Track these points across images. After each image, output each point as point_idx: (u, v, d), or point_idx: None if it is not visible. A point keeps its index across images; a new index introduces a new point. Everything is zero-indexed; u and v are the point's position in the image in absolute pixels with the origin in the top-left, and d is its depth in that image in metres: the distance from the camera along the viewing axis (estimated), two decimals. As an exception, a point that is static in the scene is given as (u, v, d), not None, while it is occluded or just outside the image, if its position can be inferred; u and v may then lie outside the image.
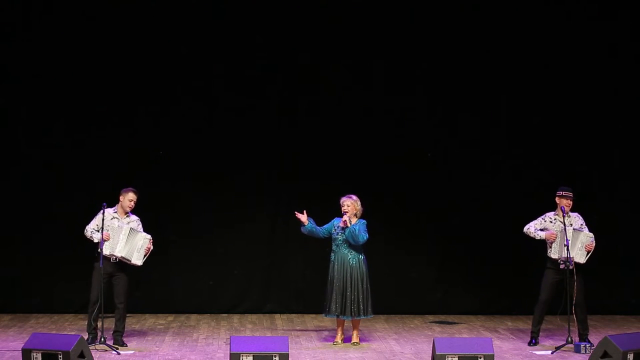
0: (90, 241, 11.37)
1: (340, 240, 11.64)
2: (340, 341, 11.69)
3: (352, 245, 11.60)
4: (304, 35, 14.14)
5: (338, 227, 11.65)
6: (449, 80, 14.26)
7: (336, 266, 11.60)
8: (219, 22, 14.05)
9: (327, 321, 13.05)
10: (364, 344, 11.84)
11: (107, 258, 11.20)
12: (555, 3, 14.26)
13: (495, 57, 14.24)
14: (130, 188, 11.47)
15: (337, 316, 11.61)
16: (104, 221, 11.25)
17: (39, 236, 13.79)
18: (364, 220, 11.65)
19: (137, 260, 11.33)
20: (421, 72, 14.25)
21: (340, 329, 11.75)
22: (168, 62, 14.02)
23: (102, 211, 11.27)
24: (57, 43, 13.89)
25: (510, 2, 14.23)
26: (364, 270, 11.62)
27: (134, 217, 11.53)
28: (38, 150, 13.92)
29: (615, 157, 14.37)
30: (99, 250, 11.24)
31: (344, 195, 11.73)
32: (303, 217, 11.71)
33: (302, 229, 11.77)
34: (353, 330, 11.74)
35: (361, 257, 11.65)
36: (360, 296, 11.54)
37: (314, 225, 11.72)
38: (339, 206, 11.77)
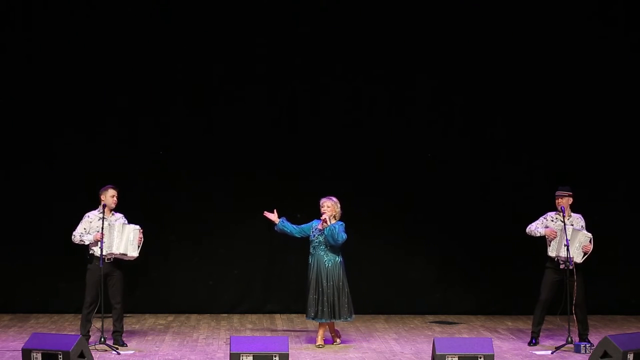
0: (80, 246, 11.37)
1: (316, 243, 11.50)
2: (332, 343, 11.58)
3: (330, 248, 11.43)
4: (304, 36, 14.14)
5: (316, 229, 11.51)
6: (449, 81, 14.26)
7: (313, 269, 11.47)
8: (219, 22, 14.05)
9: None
10: (364, 344, 11.85)
11: (102, 259, 11.17)
12: (554, 1, 14.28)
13: (496, 57, 14.24)
14: (108, 185, 11.46)
15: (313, 319, 11.48)
16: (92, 224, 11.29)
17: (39, 236, 13.79)
18: (342, 222, 11.50)
19: (133, 252, 11.32)
20: (421, 73, 14.24)
21: (326, 331, 11.61)
22: (169, 62, 14.02)
23: (102, 210, 11.27)
24: (58, 43, 13.89)
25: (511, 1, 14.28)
26: (341, 272, 11.44)
27: (118, 215, 11.52)
28: (38, 151, 13.92)
29: (615, 157, 14.36)
30: (91, 252, 11.24)
31: (324, 197, 11.59)
32: (272, 216, 11.60)
33: (275, 228, 11.66)
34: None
35: (338, 259, 11.49)
36: (337, 298, 11.38)
37: (285, 223, 11.58)
38: (324, 207, 11.71)
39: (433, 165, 14.26)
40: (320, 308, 11.37)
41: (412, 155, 14.24)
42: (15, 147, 13.93)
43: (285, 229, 11.60)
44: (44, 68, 13.89)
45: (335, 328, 11.76)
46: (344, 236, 11.39)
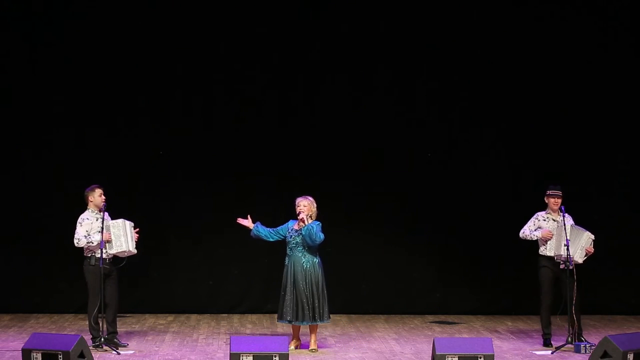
0: (85, 250, 11.22)
1: (294, 244, 11.26)
2: (294, 347, 11.31)
3: (307, 249, 11.21)
4: (302, 35, 14.14)
5: (292, 230, 11.28)
6: (449, 80, 14.26)
7: (290, 270, 11.23)
8: (217, 21, 14.06)
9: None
10: (364, 344, 11.84)
11: (102, 259, 11.12)
12: (553, 2, 14.28)
13: (493, 58, 14.25)
14: (94, 185, 11.41)
15: (290, 322, 11.26)
16: (93, 225, 11.22)
17: (39, 236, 13.79)
18: (319, 222, 11.27)
19: (134, 248, 11.31)
20: (422, 74, 14.25)
21: (295, 335, 11.45)
22: (168, 62, 14.03)
23: (103, 211, 11.25)
24: (58, 42, 13.90)
25: (507, 3, 14.26)
26: (319, 273, 11.23)
27: (105, 213, 11.43)
28: (38, 150, 13.93)
29: (614, 157, 14.37)
30: (90, 254, 11.17)
31: (300, 196, 11.37)
32: (246, 222, 11.41)
33: (250, 234, 11.45)
34: (310, 335, 11.39)
35: (316, 260, 11.26)
36: (316, 301, 11.16)
37: (259, 228, 11.37)
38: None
39: (433, 165, 14.27)
40: (299, 311, 11.15)
41: (413, 155, 14.24)
42: (15, 146, 13.93)
43: (260, 234, 11.39)
44: (44, 67, 13.90)
45: (296, 334, 11.47)
46: (322, 236, 11.17)
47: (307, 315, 11.18)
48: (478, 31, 14.23)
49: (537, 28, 14.25)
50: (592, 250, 11.47)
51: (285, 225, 11.43)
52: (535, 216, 11.74)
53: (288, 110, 14.20)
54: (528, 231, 11.70)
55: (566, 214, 11.64)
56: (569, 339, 11.37)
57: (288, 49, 14.14)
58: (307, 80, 14.20)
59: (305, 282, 11.20)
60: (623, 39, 14.35)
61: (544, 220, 11.65)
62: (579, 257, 11.44)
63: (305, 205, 11.26)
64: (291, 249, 11.32)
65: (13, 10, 13.90)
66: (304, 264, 11.24)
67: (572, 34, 14.28)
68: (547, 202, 11.68)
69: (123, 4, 13.98)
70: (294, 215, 11.35)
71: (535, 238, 11.66)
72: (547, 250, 11.58)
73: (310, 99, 14.23)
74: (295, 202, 11.36)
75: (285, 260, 11.40)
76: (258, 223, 11.46)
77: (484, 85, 14.29)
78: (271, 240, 11.45)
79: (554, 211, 11.62)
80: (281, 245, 12.44)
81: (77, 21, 13.91)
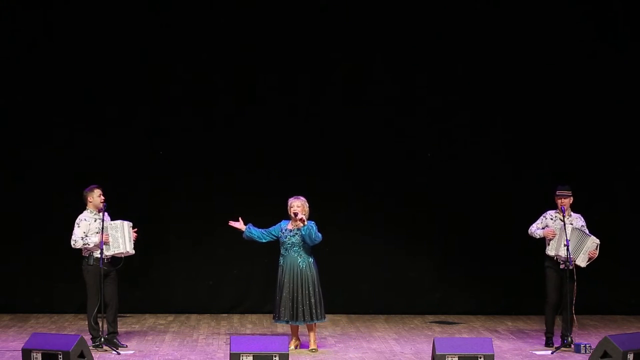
0: (83, 250, 11.22)
1: (289, 244, 11.27)
2: (294, 347, 11.33)
3: (303, 249, 11.22)
4: (300, 34, 14.14)
5: (287, 230, 11.29)
6: (449, 80, 14.26)
7: (286, 270, 11.25)
8: (215, 20, 14.06)
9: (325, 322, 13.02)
10: (364, 344, 11.84)
11: (102, 259, 11.11)
12: (554, 3, 14.29)
13: (496, 56, 14.24)
14: (92, 185, 11.40)
15: (287, 322, 11.28)
16: (91, 226, 11.20)
17: (39, 236, 13.79)
18: (313, 222, 11.27)
19: (131, 249, 11.30)
20: (422, 73, 14.25)
21: (294, 335, 11.46)
22: (166, 62, 14.03)
23: (102, 212, 11.23)
24: (57, 42, 13.90)
25: (510, 1, 14.28)
26: (315, 273, 11.24)
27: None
28: (38, 150, 13.92)
29: (615, 157, 14.36)
30: (89, 254, 11.16)
31: (291, 197, 11.33)
32: (237, 224, 11.41)
33: (243, 236, 11.45)
34: (309, 335, 11.37)
35: (311, 259, 11.28)
36: (312, 300, 11.17)
37: (251, 230, 11.38)
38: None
39: (433, 165, 14.26)
40: (296, 311, 11.17)
41: (412, 155, 14.24)
42: (16, 146, 13.93)
43: (253, 236, 11.40)
44: (43, 67, 13.89)
45: (294, 333, 11.49)
46: (320, 236, 11.19)
47: (300, 315, 11.19)
48: (480, 31, 14.22)
49: (537, 27, 14.24)
50: (596, 254, 11.45)
51: (277, 225, 11.43)
52: (544, 214, 11.75)
53: (288, 110, 14.19)
54: (534, 228, 11.71)
55: (579, 216, 11.66)
56: (570, 339, 11.36)
57: (289, 48, 14.12)
58: (307, 80, 14.18)
59: (302, 282, 11.22)
60: (624, 36, 14.37)
61: (552, 219, 11.66)
62: (582, 261, 11.41)
63: (299, 206, 11.25)
64: (287, 249, 11.32)
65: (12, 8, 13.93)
66: (300, 263, 11.26)
67: (573, 34, 14.28)
68: (556, 201, 11.68)
69: (121, 6, 13.98)
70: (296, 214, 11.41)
71: (538, 236, 11.67)
72: (549, 250, 11.59)
73: (309, 99, 14.22)
74: (287, 202, 11.34)
75: (279, 260, 11.40)
76: (250, 225, 11.46)
77: (485, 85, 14.28)
78: (264, 241, 11.47)
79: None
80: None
81: (76, 18, 13.90)
